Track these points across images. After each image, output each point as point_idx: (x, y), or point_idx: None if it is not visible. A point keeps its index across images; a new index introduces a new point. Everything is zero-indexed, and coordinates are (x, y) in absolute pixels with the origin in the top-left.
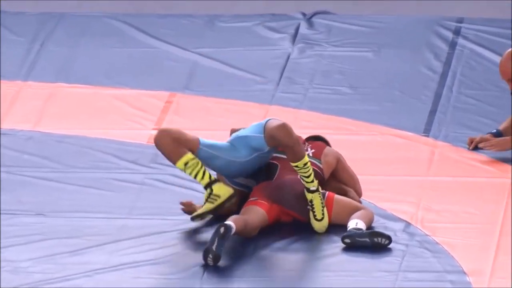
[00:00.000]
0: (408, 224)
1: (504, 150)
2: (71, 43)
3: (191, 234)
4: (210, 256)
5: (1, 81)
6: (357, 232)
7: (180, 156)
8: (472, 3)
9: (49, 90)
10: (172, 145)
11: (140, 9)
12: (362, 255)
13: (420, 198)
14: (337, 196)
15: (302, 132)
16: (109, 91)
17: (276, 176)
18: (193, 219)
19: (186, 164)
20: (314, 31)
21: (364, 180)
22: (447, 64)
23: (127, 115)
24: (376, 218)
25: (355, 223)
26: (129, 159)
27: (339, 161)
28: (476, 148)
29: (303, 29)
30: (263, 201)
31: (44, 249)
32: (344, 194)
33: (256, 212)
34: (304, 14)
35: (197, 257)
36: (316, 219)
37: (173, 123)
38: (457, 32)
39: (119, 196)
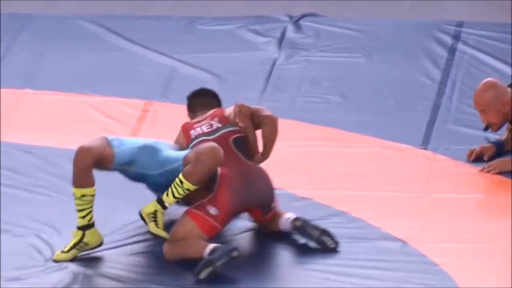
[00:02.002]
0: (404, 243)
1: (505, 171)
2: (39, 47)
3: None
4: (210, 268)
5: None
6: (310, 222)
7: (84, 185)
8: (473, 3)
9: (15, 97)
10: (87, 168)
11: (113, 10)
12: (354, 275)
13: (417, 216)
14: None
15: (289, 144)
16: (80, 98)
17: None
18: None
19: (83, 196)
20: (302, 35)
21: (356, 196)
22: (446, 71)
23: (100, 125)
24: (369, 237)
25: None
26: (102, 172)
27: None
28: (476, 160)
29: (290, 32)
30: (219, 223)
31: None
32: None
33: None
34: (291, 17)
35: None
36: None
37: (150, 133)
38: (456, 36)
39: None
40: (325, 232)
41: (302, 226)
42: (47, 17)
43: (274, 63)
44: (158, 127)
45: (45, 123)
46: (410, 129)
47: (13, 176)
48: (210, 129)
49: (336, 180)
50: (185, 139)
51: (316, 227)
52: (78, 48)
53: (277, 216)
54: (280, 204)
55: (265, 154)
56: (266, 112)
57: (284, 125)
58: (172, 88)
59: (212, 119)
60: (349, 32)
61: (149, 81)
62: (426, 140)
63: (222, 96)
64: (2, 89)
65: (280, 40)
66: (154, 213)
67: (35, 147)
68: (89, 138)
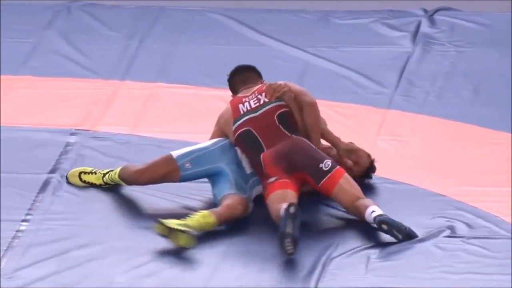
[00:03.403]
0: None
1: None
2: (171, 40)
3: None
4: (288, 240)
5: (97, 80)
6: (396, 222)
7: None
8: None
9: (147, 90)
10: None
11: (245, 3)
12: (487, 273)
13: None
14: (347, 176)
15: (422, 139)
16: (212, 92)
17: (262, 142)
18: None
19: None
20: (436, 29)
21: (488, 192)
22: None
23: None
24: (502, 233)
25: (380, 211)
26: None
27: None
28: None
29: (425, 27)
30: (284, 179)
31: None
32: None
33: (292, 195)
34: (425, 11)
35: None
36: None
37: None
38: None
39: None
40: (409, 236)
41: (388, 230)
42: (179, 9)
43: (408, 58)
44: None
45: (177, 116)
46: None
47: None
48: (257, 104)
49: (468, 175)
50: (232, 114)
51: (401, 230)
52: (211, 41)
53: (361, 204)
54: (415, 200)
55: (314, 143)
56: (307, 96)
57: (417, 121)
58: (306, 82)
59: (260, 94)
60: (483, 27)
61: (283, 74)
62: None
63: (356, 90)
64: (135, 82)
65: (415, 35)
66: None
67: (167, 141)
68: None
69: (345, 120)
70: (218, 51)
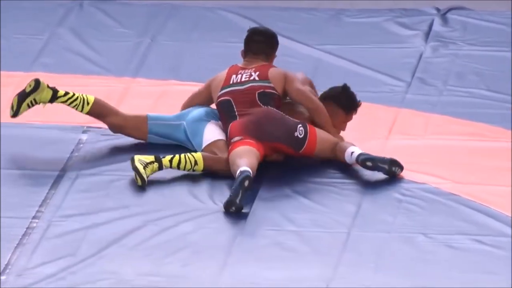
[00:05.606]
0: None
1: None
2: (183, 37)
3: None
4: (233, 208)
5: (109, 77)
6: (378, 157)
7: None
8: None
9: (159, 87)
10: None
11: (258, 1)
12: (495, 272)
13: None
14: (318, 130)
15: (434, 138)
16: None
17: (236, 112)
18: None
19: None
20: (449, 28)
21: (500, 191)
22: None
23: None
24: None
25: (359, 150)
26: None
27: (286, 77)
28: None
29: (437, 25)
30: (249, 140)
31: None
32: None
33: (253, 153)
34: (438, 10)
35: None
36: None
37: None
38: None
39: None
40: (393, 163)
41: (373, 166)
42: (191, 6)
43: (420, 56)
44: None
45: None
46: None
47: None
48: (246, 79)
49: (480, 174)
50: (224, 81)
51: (384, 161)
52: (222, 39)
53: (339, 149)
54: (427, 200)
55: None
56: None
57: (429, 119)
58: (318, 79)
59: (255, 72)
60: (496, 26)
61: (295, 72)
62: None
63: (368, 88)
64: (146, 79)
65: (427, 33)
66: (149, 163)
67: None
68: None
69: (357, 118)
70: (229, 49)
